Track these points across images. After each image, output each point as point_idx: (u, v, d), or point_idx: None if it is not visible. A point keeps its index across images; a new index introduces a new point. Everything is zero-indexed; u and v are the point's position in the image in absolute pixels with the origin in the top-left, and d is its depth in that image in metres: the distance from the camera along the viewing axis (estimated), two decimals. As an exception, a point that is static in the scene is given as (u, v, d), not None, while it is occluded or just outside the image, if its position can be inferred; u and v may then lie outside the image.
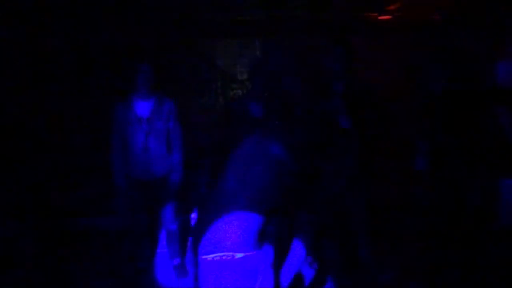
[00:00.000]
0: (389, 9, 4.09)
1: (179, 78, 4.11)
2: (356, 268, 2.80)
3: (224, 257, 1.52)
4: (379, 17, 4.22)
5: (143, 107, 2.98)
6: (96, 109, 3.79)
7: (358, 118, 2.43)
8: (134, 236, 3.26)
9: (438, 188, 2.35)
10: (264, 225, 1.57)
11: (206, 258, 1.55)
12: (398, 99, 3.88)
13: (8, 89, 3.67)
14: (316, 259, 1.84)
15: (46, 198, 3.79)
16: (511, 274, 1.94)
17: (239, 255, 1.51)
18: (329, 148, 2.54)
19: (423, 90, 2.47)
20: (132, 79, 2.94)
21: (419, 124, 2.52)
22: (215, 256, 1.53)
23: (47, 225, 3.69)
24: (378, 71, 4.58)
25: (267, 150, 1.60)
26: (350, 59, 2.52)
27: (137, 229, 3.25)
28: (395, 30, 4.16)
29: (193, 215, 3.75)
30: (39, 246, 3.48)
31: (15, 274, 3.12)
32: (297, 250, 1.65)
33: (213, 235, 1.57)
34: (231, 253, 1.52)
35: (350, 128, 2.43)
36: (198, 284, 1.63)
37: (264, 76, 2.87)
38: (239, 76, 4.25)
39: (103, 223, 3.77)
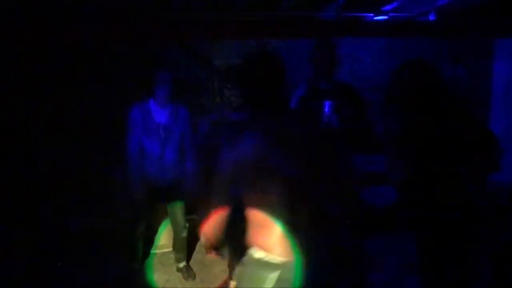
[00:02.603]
0: (385, 9, 4.10)
1: (176, 78, 4.11)
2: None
3: None
4: (375, 17, 4.23)
5: (161, 114, 2.98)
6: (95, 112, 3.79)
7: (345, 117, 2.45)
8: (129, 237, 3.26)
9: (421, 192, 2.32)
10: None
11: None
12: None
13: (8, 88, 3.66)
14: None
15: (40, 198, 3.77)
16: None
17: None
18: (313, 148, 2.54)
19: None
20: (151, 86, 2.95)
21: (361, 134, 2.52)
22: None
23: (42, 225, 3.67)
24: (374, 71, 4.62)
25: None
26: (335, 59, 2.56)
27: (132, 230, 3.24)
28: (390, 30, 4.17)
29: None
30: (33, 246, 3.46)
31: (8, 274, 3.10)
32: None
33: None
34: None
35: (336, 127, 2.43)
36: None
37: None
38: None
39: (97, 223, 3.75)
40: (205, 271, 3.51)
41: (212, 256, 3.58)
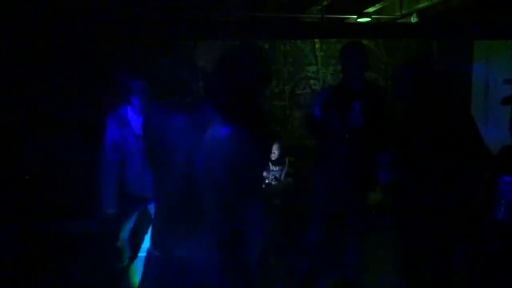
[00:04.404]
0: (368, 11, 4.16)
1: (159, 79, 4.08)
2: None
3: None
4: (358, 20, 4.29)
5: (139, 124, 2.83)
6: (76, 113, 3.73)
7: (371, 118, 2.44)
8: (114, 239, 3.20)
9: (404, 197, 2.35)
10: None
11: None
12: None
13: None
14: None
15: (25, 201, 3.70)
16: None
17: None
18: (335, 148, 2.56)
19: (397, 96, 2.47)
20: (125, 94, 2.77)
21: (383, 135, 2.53)
22: None
23: (27, 228, 3.61)
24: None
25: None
26: (365, 60, 2.57)
27: (117, 232, 3.19)
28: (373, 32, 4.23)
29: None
30: (19, 249, 3.41)
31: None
32: None
33: None
34: None
35: (361, 127, 2.43)
36: None
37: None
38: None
39: (83, 226, 3.71)
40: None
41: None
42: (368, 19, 4.24)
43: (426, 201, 2.24)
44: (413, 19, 4.25)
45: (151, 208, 3.14)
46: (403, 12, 4.12)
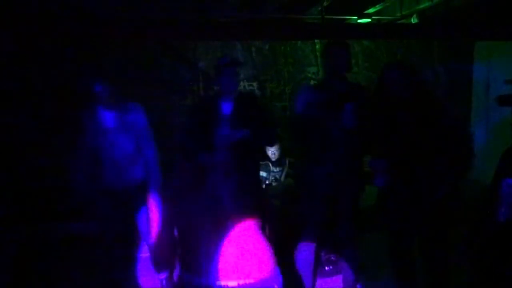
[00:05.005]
0: (368, 12, 4.16)
1: (160, 79, 4.08)
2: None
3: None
4: (358, 20, 4.29)
5: (107, 118, 2.81)
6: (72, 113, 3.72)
7: (363, 118, 2.43)
8: (111, 241, 3.16)
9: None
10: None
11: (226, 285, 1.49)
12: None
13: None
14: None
15: (26, 203, 3.70)
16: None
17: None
18: (327, 147, 2.54)
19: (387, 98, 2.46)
20: (94, 89, 2.73)
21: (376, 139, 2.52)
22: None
23: (28, 231, 3.60)
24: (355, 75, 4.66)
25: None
26: (349, 59, 2.57)
27: (113, 234, 3.15)
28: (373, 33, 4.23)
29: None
30: (20, 252, 3.40)
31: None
32: None
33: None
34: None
35: (354, 127, 2.42)
36: None
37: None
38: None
39: (82, 228, 3.69)
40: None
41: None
42: (368, 20, 4.24)
43: (419, 201, 2.26)
44: (414, 20, 4.25)
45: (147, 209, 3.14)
46: (404, 13, 4.12)
